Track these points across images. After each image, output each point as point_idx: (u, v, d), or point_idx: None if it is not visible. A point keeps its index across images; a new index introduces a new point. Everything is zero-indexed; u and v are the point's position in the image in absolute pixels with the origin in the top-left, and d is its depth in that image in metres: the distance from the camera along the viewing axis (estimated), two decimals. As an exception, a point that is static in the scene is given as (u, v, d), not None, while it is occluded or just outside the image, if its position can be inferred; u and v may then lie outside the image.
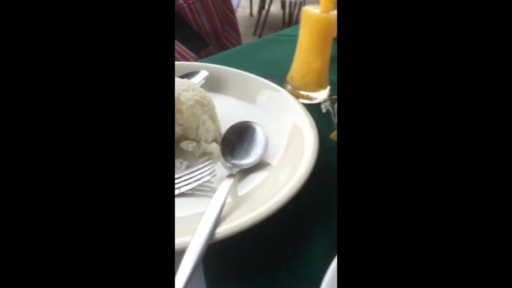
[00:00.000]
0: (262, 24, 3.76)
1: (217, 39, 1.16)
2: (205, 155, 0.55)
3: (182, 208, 0.45)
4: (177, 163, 0.53)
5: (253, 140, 0.55)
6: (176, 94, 0.55)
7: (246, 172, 0.52)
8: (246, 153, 0.54)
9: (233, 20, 1.20)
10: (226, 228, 0.39)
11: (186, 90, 0.56)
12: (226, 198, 0.43)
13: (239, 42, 1.22)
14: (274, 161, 0.54)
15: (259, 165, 0.53)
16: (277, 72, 0.79)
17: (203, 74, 0.70)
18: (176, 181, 0.49)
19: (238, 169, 0.51)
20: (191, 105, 0.55)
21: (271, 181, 0.49)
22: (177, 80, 0.58)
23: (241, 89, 0.69)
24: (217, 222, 0.39)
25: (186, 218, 0.43)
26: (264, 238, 0.44)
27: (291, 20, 4.06)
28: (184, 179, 0.50)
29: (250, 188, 0.49)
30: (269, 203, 0.42)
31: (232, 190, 0.49)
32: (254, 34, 3.77)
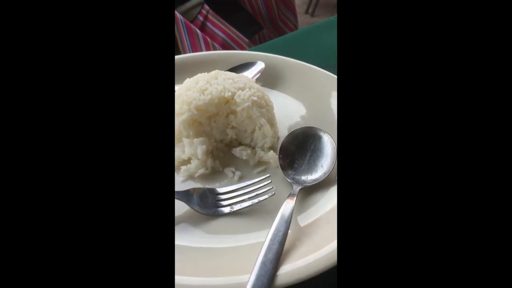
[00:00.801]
0: (315, 1, 3.53)
1: (272, 22, 1.06)
2: (261, 164, 0.48)
3: (235, 235, 0.38)
4: (228, 172, 0.47)
5: (318, 151, 0.47)
6: (230, 93, 0.48)
7: (309, 190, 0.44)
8: (309, 166, 0.46)
9: (291, 1, 1.09)
10: (291, 271, 0.32)
11: (242, 89, 0.48)
12: (288, 229, 0.35)
13: (296, 26, 1.11)
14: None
15: (326, 183, 0.44)
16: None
17: (259, 66, 0.62)
18: (228, 195, 0.43)
19: (300, 187, 0.43)
20: (247, 106, 0.47)
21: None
22: (233, 75, 0.50)
23: (303, 85, 0.60)
24: (278, 264, 0.32)
25: (242, 249, 0.37)
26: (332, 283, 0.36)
27: (347, -3, 3.78)
28: (237, 193, 0.43)
29: (316, 217, 0.40)
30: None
31: (293, 216, 0.41)
32: (307, 12, 3.56)
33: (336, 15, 1.03)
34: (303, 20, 3.43)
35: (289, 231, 0.36)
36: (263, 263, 0.32)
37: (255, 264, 0.32)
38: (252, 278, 0.30)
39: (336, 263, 0.32)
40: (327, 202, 0.42)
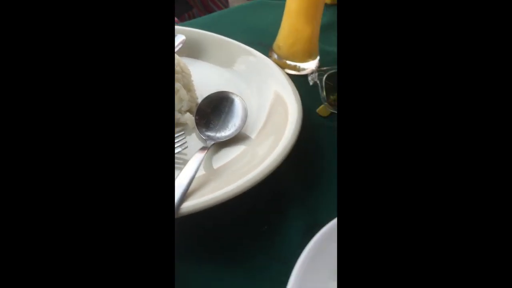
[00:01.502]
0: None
1: (202, 2, 1.08)
2: (179, 126, 0.52)
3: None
4: (149, 134, 0.50)
5: (231, 112, 0.52)
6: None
7: (222, 145, 0.49)
8: (223, 125, 0.51)
9: (220, -19, 1.12)
10: (195, 203, 0.37)
11: (159, 55, 0.51)
12: (196, 172, 0.40)
13: (226, 6, 1.15)
14: (253, 135, 0.51)
15: (237, 139, 0.49)
16: (266, 41, 0.74)
17: (179, 38, 0.65)
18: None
19: (212, 142, 0.48)
20: (164, 71, 0.50)
21: (249, 155, 0.47)
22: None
23: (221, 56, 0.65)
24: (184, 196, 0.37)
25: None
26: (239, 215, 0.42)
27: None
28: (155, 151, 0.47)
29: (226, 161, 0.46)
30: (245, 178, 0.40)
31: (207, 163, 0.46)
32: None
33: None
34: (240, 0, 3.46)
35: (204, 173, 0.42)
36: (171, 198, 0.36)
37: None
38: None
39: (235, 195, 0.38)
40: (236, 150, 0.48)
